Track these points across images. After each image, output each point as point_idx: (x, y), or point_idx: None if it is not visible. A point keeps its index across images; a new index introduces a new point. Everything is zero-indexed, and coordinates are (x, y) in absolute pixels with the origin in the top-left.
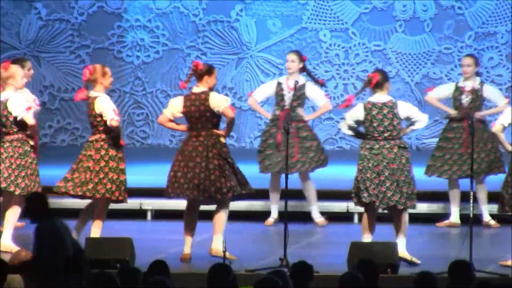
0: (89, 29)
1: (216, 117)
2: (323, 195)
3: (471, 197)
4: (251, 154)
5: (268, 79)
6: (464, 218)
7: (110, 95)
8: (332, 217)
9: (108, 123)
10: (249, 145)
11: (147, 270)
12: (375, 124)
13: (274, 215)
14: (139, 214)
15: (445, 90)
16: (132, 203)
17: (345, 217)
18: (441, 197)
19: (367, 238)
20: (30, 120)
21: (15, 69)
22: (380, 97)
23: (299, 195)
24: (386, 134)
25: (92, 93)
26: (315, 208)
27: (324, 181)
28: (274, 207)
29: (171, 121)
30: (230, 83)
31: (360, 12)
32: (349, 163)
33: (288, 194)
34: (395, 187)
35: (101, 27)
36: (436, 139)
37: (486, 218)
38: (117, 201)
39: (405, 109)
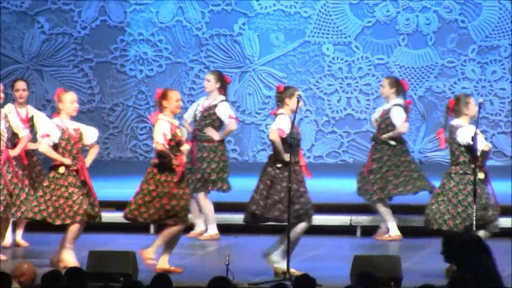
0: (92, 43)
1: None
2: (326, 209)
3: (475, 210)
4: (254, 167)
5: (271, 93)
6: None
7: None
8: (335, 230)
9: (154, 145)
10: (252, 158)
11: (150, 283)
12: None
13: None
14: (142, 228)
15: (379, 111)
16: None
17: (349, 230)
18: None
19: None
20: (41, 147)
21: (63, 95)
22: (454, 121)
23: None
24: (451, 159)
25: (159, 116)
26: (211, 226)
27: (327, 195)
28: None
29: None
30: (233, 97)
31: (363, 25)
32: (352, 177)
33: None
34: (441, 209)
35: (104, 41)
36: (438, 153)
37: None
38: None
39: (463, 135)
